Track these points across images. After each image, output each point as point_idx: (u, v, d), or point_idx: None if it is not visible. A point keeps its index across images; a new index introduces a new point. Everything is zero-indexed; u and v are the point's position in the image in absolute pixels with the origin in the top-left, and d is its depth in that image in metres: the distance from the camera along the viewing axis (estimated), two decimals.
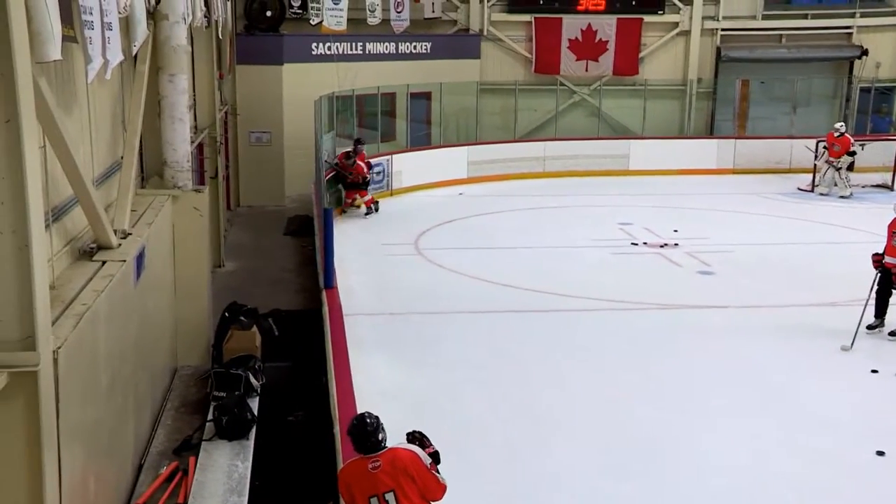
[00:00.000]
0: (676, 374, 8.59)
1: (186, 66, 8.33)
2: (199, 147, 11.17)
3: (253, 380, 7.32)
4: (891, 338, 9.39)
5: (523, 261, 12.92)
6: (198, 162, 10.96)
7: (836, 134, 17.89)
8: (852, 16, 21.79)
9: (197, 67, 11.60)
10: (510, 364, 8.88)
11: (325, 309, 9.43)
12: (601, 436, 7.28)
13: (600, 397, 8.06)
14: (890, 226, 9.46)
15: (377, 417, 4.72)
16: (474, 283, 11.75)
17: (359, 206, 15.66)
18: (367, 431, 4.63)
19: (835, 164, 17.76)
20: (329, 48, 17.90)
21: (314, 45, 17.77)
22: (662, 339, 9.63)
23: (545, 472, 6.76)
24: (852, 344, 9.07)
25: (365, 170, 15.72)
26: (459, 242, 14.04)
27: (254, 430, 6.72)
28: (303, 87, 16.76)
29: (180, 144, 8.07)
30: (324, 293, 9.98)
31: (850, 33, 21.83)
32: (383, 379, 8.36)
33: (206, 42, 12.36)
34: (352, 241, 13.63)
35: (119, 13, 5.83)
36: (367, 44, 18.68)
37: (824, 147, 18.04)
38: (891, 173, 18.37)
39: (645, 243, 13.79)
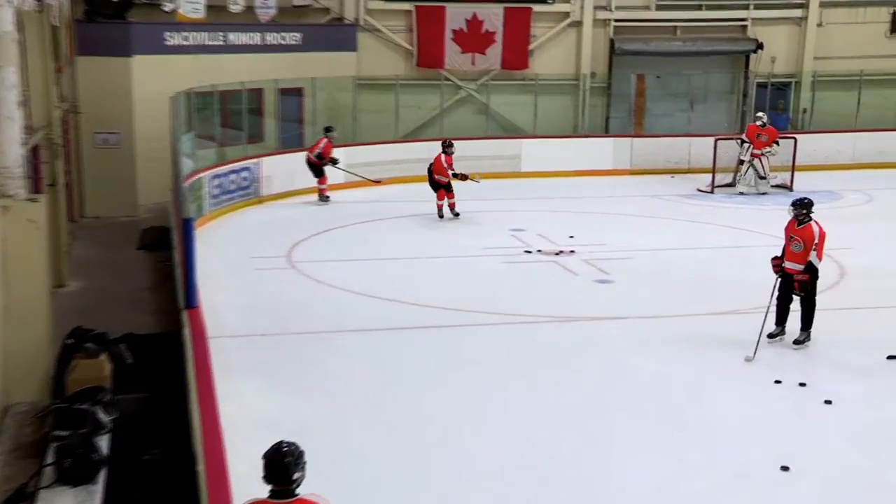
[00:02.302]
0: (575, 392, 8.77)
1: (14, 57, 8.00)
2: (35, 150, 10.77)
3: (102, 415, 7.08)
4: (794, 346, 9.85)
5: (408, 273, 12.97)
6: (33, 167, 10.55)
7: (759, 124, 18.83)
8: (746, 7, 22.90)
9: (28, 59, 11.17)
10: (396, 386, 8.88)
11: (187, 331, 9.21)
12: (496, 460, 7.35)
13: (494, 419, 8.15)
14: (787, 229, 9.93)
15: (300, 452, 4.49)
16: (355, 298, 11.71)
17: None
18: (281, 464, 4.42)
19: (765, 152, 18.63)
20: (185, 38, 17.53)
21: (168, 34, 17.38)
22: (559, 353, 9.82)
23: (437, 501, 6.76)
24: (755, 354, 9.48)
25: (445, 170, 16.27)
26: (337, 254, 13.98)
27: (103, 472, 6.49)
28: (156, 83, 16.37)
29: (10, 147, 7.75)
30: (185, 314, 9.74)
31: (745, 26, 22.94)
32: (256, 408, 8.23)
33: (38, 29, 11.91)
34: (216, 254, 13.39)
35: None
36: (230, 34, 18.39)
37: (741, 142, 18.87)
38: (789, 173, 19.35)
39: (539, 251, 14.05)
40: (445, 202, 16.19)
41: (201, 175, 15.78)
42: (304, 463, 4.50)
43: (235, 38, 18.55)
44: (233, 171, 16.91)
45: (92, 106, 16.71)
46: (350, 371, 9.29)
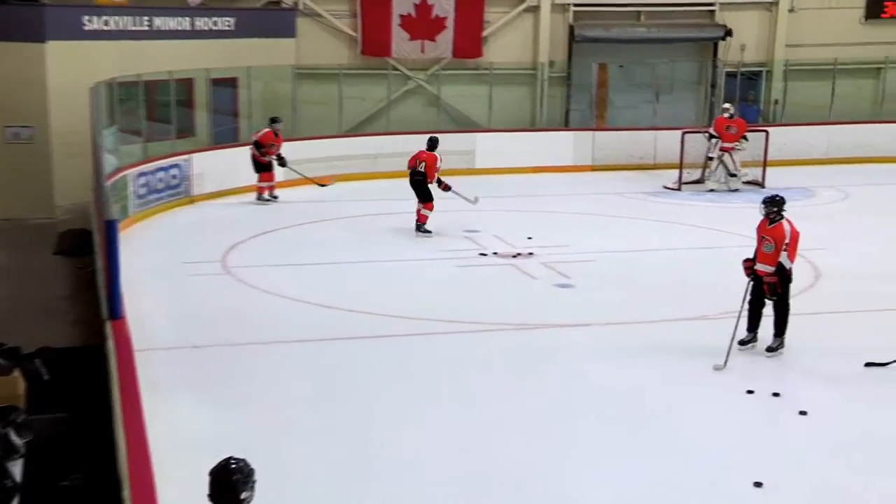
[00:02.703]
0: (537, 404, 8.82)
1: None
2: None
3: (15, 437, 6.99)
4: (767, 354, 9.99)
5: (354, 278, 12.94)
6: None
7: (727, 115, 19.12)
8: None
9: None
10: (343, 401, 8.86)
11: (111, 344, 9.10)
12: (456, 479, 7.37)
13: (452, 434, 8.17)
14: (758, 229, 10.07)
15: (249, 471, 4.57)
16: (297, 306, 11.66)
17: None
18: (228, 482, 4.50)
19: (736, 147, 18.92)
20: (106, 23, 17.31)
21: (86, 18, 17.15)
22: (519, 363, 9.87)
23: None
24: (725, 362, 9.61)
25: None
26: (277, 258, 13.90)
27: (16, 501, 6.39)
28: (74, 71, 16.17)
29: None
30: (108, 325, 9.62)
31: (713, 11, 23.27)
32: (187, 427, 8.17)
33: None
34: (143, 259, 13.27)
35: None
36: (156, 18, 18.20)
37: (709, 136, 19.13)
38: (760, 168, 19.66)
39: (495, 253, 14.12)
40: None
41: (126, 173, 15.61)
42: (254, 482, 4.57)
43: (162, 22, 18.36)
44: (161, 169, 16.75)
45: (1, 97, 16.43)
46: (291, 384, 9.25)
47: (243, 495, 4.51)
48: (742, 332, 10.01)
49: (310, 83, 20.62)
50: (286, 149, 17.78)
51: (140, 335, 9.77)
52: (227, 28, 19.44)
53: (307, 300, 11.80)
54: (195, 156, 17.54)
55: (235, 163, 17.66)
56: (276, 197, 17.60)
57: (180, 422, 8.26)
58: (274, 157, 17.41)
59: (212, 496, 4.53)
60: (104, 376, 8.58)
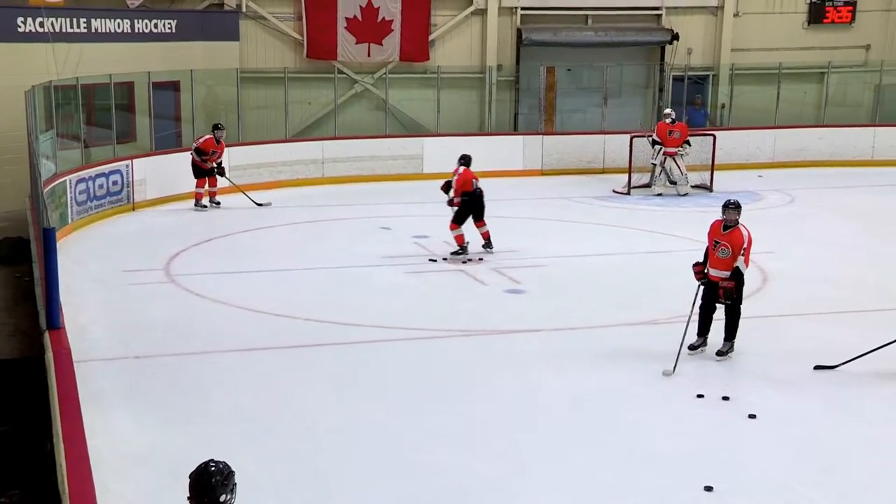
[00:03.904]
0: (486, 412, 8.83)
1: None
2: None
3: None
4: (717, 358, 10.11)
5: (301, 286, 12.87)
6: None
7: (668, 121, 19.29)
8: None
9: None
10: (289, 411, 8.80)
11: (50, 355, 8.98)
12: (401, 491, 7.36)
13: (399, 444, 8.15)
14: (710, 234, 10.13)
15: (228, 473, 4.61)
16: (242, 314, 11.57)
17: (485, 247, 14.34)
18: (208, 484, 4.55)
19: (680, 152, 19.12)
20: (41, 24, 17.09)
21: (20, 19, 16.95)
22: (468, 371, 9.88)
23: None
24: (675, 367, 9.71)
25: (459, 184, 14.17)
26: (222, 266, 13.80)
27: None
28: (8, 74, 16.04)
29: None
30: (47, 335, 9.50)
31: (660, 15, 23.56)
32: (130, 440, 8.06)
33: None
34: (83, 268, 13.13)
35: None
36: (94, 20, 18.02)
37: (652, 142, 19.29)
38: (708, 172, 19.91)
39: (445, 259, 14.14)
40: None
41: (64, 179, 15.41)
42: (234, 485, 4.63)
43: (100, 24, 18.18)
44: (101, 175, 16.55)
45: None
46: (236, 395, 9.15)
47: (223, 498, 4.55)
48: (692, 337, 10.11)
49: (254, 87, 20.52)
50: (231, 154, 17.66)
51: (80, 346, 9.66)
52: (168, 31, 19.29)
53: (252, 308, 11.71)
54: (136, 161, 17.36)
55: (178, 168, 17.49)
56: (218, 203, 17.47)
57: (122, 434, 8.14)
58: (214, 164, 17.27)
59: (191, 498, 4.56)
60: (43, 389, 8.47)
